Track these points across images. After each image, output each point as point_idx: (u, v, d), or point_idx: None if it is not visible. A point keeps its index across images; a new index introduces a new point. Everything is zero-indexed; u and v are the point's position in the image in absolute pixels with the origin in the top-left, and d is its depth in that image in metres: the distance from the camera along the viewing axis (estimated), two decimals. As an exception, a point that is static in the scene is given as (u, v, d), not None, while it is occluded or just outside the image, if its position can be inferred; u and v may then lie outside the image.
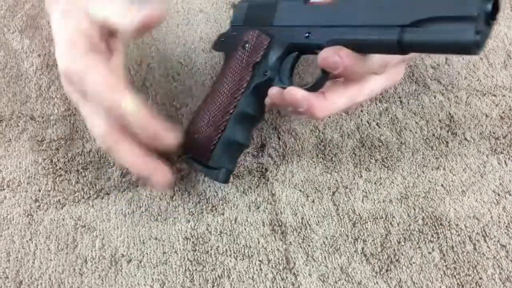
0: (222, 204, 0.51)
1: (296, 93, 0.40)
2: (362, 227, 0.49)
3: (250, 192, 0.52)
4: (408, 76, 0.59)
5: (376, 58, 0.38)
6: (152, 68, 0.60)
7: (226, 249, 0.48)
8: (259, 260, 0.48)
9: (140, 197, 0.52)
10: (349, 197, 0.51)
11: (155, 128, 0.38)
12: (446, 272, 0.47)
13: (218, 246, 0.49)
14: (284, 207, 0.51)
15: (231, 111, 0.46)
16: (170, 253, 0.48)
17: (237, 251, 0.48)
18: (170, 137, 0.39)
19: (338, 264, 0.48)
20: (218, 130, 0.46)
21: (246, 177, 0.53)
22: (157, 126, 0.38)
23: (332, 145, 0.54)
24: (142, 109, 0.38)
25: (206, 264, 0.48)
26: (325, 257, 0.48)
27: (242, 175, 0.53)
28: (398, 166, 0.53)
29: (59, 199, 0.51)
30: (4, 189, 0.52)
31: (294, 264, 0.48)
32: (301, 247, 0.49)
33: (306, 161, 0.54)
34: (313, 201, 0.51)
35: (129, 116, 0.38)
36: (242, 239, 0.49)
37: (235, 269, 0.47)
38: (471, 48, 0.32)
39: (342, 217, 0.50)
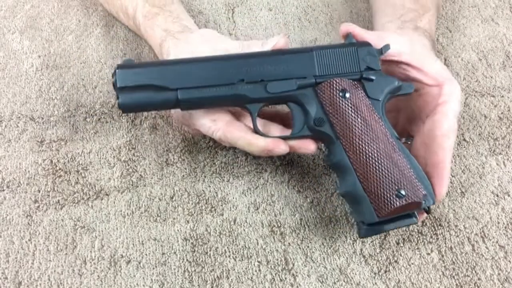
0: (221, 205, 0.51)
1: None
2: (361, 228, 0.50)
3: (249, 193, 0.52)
4: (407, 77, 0.59)
5: None
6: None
7: (225, 250, 0.48)
8: (258, 261, 0.48)
9: (140, 198, 0.52)
10: (348, 198, 0.51)
11: (267, 150, 0.45)
12: (444, 273, 0.47)
13: (217, 247, 0.49)
14: (283, 208, 0.51)
15: None
16: (169, 254, 0.48)
17: (236, 252, 0.48)
18: (282, 149, 0.46)
19: (337, 265, 0.48)
20: None
21: (245, 178, 0.53)
22: (268, 148, 0.45)
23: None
24: (253, 145, 0.45)
25: (205, 265, 0.48)
26: (324, 258, 0.48)
27: (241, 176, 0.53)
28: (397, 167, 0.53)
29: (58, 200, 0.51)
30: (3, 190, 0.52)
31: (293, 265, 0.48)
32: (300, 248, 0.49)
33: (305, 162, 0.54)
34: (311, 202, 0.51)
35: (247, 150, 0.47)
36: (241, 240, 0.49)
37: (234, 270, 0.47)
38: None
39: (340, 218, 0.50)
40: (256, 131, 0.46)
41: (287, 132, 0.47)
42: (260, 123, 0.48)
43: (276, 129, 0.48)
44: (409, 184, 0.43)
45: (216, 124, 0.46)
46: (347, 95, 0.45)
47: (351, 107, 0.45)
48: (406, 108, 0.50)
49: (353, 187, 0.44)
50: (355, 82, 0.45)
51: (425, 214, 0.45)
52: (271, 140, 0.45)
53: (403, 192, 0.42)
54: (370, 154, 0.43)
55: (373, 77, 0.45)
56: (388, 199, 0.42)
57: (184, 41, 0.51)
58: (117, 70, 0.45)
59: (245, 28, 0.66)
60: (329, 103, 0.45)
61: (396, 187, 0.42)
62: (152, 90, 0.45)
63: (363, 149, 0.43)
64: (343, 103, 0.45)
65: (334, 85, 0.45)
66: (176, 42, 0.52)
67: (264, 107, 0.48)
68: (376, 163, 0.43)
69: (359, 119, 0.44)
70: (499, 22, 0.65)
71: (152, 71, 0.45)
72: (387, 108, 0.50)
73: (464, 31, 0.65)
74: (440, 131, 0.45)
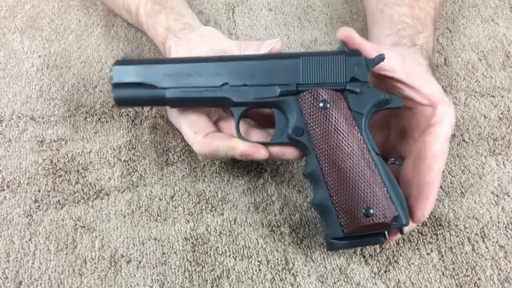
0: (222, 205, 0.51)
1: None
2: (361, 228, 0.50)
3: (250, 193, 0.52)
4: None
5: None
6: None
7: (225, 250, 0.49)
8: (258, 261, 0.48)
9: (140, 198, 0.52)
10: (348, 198, 0.51)
11: (247, 155, 0.46)
12: (444, 273, 0.47)
13: (218, 247, 0.49)
14: (283, 208, 0.51)
15: None
16: (170, 253, 0.48)
17: (236, 251, 0.48)
18: (261, 154, 0.46)
19: (337, 265, 0.48)
20: None
21: (245, 177, 0.53)
22: (247, 152, 0.45)
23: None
24: (234, 148, 0.45)
25: (206, 265, 0.48)
26: (324, 258, 0.48)
27: (242, 175, 0.53)
28: (397, 167, 0.53)
29: (58, 200, 0.52)
30: (4, 190, 0.52)
31: (293, 264, 0.48)
32: (300, 247, 0.49)
33: (305, 162, 0.54)
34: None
35: (230, 156, 0.47)
36: (241, 240, 0.49)
37: (234, 269, 0.47)
38: None
39: (341, 218, 0.50)
40: (237, 134, 0.46)
41: (268, 139, 0.47)
42: (242, 128, 0.48)
43: (257, 135, 0.48)
44: (380, 204, 0.42)
45: (196, 137, 0.47)
46: (327, 106, 0.44)
47: (329, 119, 0.43)
48: (397, 126, 0.49)
49: (323, 200, 0.43)
50: (338, 93, 0.44)
51: (399, 234, 0.44)
52: (250, 144, 0.45)
53: (371, 211, 0.41)
54: (342, 169, 0.42)
55: (357, 90, 0.44)
56: (355, 216, 0.42)
57: (184, 39, 0.52)
58: (113, 67, 0.47)
59: (245, 28, 0.66)
60: (308, 113, 0.44)
61: (365, 205, 0.42)
62: (144, 87, 0.46)
63: (336, 163, 0.43)
64: (322, 115, 0.44)
65: (315, 95, 0.44)
66: (176, 40, 0.52)
67: (250, 110, 0.47)
68: (347, 179, 0.42)
69: (335, 132, 0.43)
70: (499, 22, 0.65)
71: (143, 70, 0.47)
72: (377, 125, 0.49)
73: (464, 31, 0.65)
74: (430, 152, 0.44)
